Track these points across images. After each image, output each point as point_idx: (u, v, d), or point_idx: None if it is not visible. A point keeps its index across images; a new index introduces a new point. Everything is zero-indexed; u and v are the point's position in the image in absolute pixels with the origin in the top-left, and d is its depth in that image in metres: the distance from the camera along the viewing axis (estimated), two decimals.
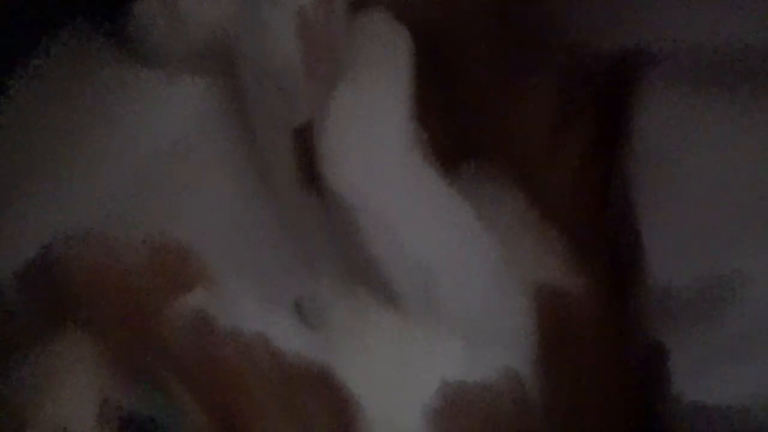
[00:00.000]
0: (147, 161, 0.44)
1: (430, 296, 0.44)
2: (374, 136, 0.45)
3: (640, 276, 0.47)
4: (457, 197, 0.46)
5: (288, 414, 0.37)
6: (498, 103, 0.48)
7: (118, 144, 0.44)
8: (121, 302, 0.36)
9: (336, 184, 0.44)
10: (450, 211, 0.45)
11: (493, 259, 0.45)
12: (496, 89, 0.48)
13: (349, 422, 0.38)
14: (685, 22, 0.50)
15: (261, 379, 0.37)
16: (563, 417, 0.45)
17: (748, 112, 0.47)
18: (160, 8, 0.47)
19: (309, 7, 0.44)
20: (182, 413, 0.34)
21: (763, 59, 0.49)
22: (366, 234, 0.44)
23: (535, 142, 0.48)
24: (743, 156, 0.48)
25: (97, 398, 0.34)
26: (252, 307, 0.39)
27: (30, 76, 0.45)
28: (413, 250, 0.44)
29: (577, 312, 0.48)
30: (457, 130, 0.48)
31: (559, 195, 0.49)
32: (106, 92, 0.45)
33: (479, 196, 0.47)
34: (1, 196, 0.41)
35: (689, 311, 0.47)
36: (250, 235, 0.44)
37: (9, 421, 0.33)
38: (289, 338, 0.39)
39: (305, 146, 0.45)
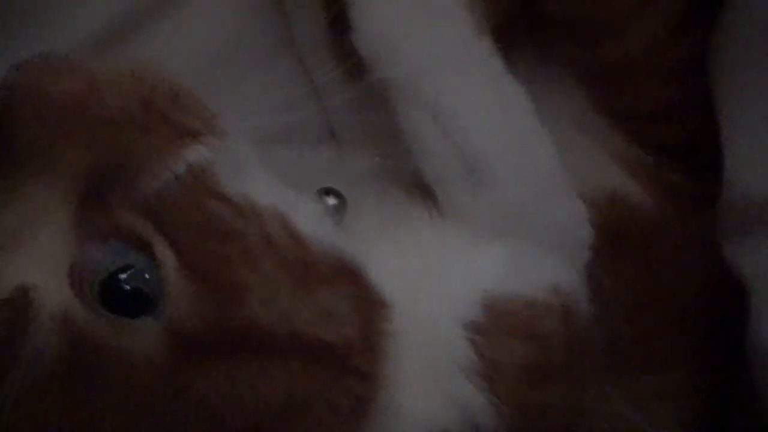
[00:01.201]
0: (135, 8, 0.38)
1: (478, 191, 0.38)
2: None
3: (716, 186, 0.41)
4: (516, 83, 0.39)
5: (304, 301, 0.31)
6: None
7: None
8: (99, 142, 0.29)
9: (369, 50, 0.37)
10: (508, 97, 0.38)
11: (550, 159, 0.39)
12: None
13: (376, 326, 0.33)
14: None
15: (273, 255, 0.31)
16: (609, 345, 0.40)
17: None
18: None
19: None
20: (164, 281, 0.29)
21: None
22: (406, 113, 0.37)
23: (610, 9, 0.41)
24: None
25: (67, 258, 0.28)
26: (268, 181, 0.33)
27: None
28: (461, 133, 0.37)
29: (641, 224, 0.42)
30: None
31: (632, 86, 0.42)
32: None
33: (539, 88, 0.40)
34: None
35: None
36: (270, 99, 0.37)
37: None
38: (312, 223, 0.33)
39: (337, 10, 0.38)
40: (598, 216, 0.40)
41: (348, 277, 0.33)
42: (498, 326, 0.37)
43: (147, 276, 0.29)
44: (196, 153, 0.31)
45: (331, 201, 0.37)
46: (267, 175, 0.33)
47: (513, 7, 0.42)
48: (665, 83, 0.42)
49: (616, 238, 0.41)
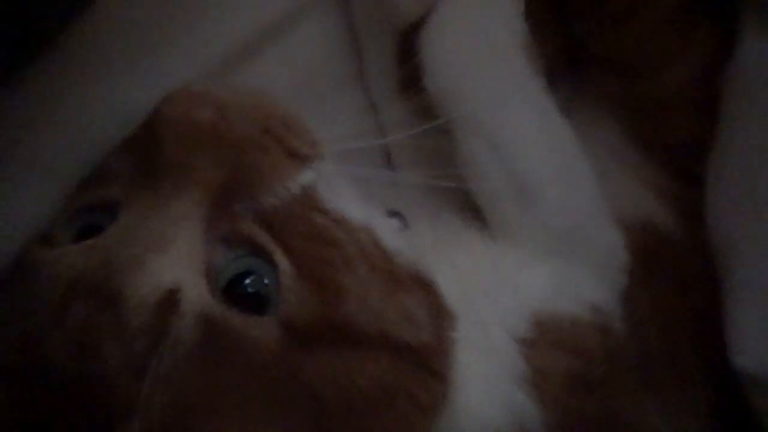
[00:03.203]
0: (249, 35, 0.42)
1: (528, 213, 0.42)
2: (481, 42, 0.41)
3: None
4: (560, 114, 0.43)
5: (391, 305, 0.35)
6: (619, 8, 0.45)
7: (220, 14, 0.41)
8: (228, 161, 0.34)
9: (436, 90, 0.41)
10: (553, 128, 0.43)
11: (592, 188, 0.43)
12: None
13: (446, 333, 0.37)
14: None
15: (366, 261, 0.35)
16: (642, 362, 0.43)
17: None
18: None
19: None
20: (280, 284, 0.33)
21: None
22: (467, 142, 0.41)
23: (653, 48, 0.45)
24: None
25: (203, 261, 0.33)
26: (356, 199, 0.38)
27: None
28: (516, 161, 0.41)
29: (672, 248, 0.46)
30: (568, 38, 0.45)
31: (665, 120, 0.46)
32: None
33: (578, 121, 0.44)
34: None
35: None
36: (348, 131, 0.41)
37: (115, 278, 0.31)
38: (391, 238, 0.37)
39: (409, 50, 0.42)
40: (633, 241, 0.44)
41: (423, 287, 0.37)
42: (545, 340, 0.40)
43: (265, 280, 0.33)
44: (307, 175, 0.35)
45: (395, 223, 0.42)
46: (354, 194, 0.37)
47: (558, 47, 0.46)
48: (697, 118, 0.46)
49: (649, 261, 0.45)
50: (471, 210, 0.44)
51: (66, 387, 0.31)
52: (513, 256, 0.42)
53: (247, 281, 0.33)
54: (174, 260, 0.32)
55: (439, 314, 0.37)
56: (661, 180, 0.47)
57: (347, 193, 0.37)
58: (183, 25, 0.40)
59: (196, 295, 0.32)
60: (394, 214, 0.42)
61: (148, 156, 0.34)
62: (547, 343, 0.41)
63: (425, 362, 0.35)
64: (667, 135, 0.47)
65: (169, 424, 0.31)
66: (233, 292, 0.33)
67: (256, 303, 0.33)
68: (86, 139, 0.37)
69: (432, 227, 0.44)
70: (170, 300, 0.31)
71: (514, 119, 0.41)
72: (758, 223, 0.43)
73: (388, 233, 0.37)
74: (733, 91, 0.44)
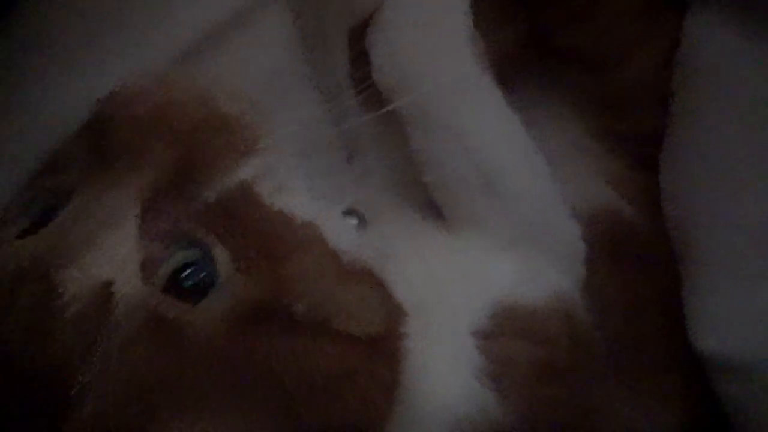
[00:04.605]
0: (205, 30, 0.41)
1: (493, 201, 0.42)
2: (428, 36, 0.42)
3: None
4: (512, 109, 0.43)
5: (335, 296, 0.35)
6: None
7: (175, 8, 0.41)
8: (167, 153, 0.34)
9: (384, 84, 0.41)
10: (506, 120, 0.43)
11: (546, 176, 0.43)
12: None
13: (393, 328, 0.37)
14: None
15: (312, 258, 0.36)
16: (609, 350, 0.43)
17: None
18: None
19: None
20: (221, 274, 0.34)
21: None
22: (421, 136, 0.42)
23: (617, 38, 0.45)
24: None
25: (138, 256, 0.33)
26: (305, 197, 0.38)
27: None
28: (477, 149, 0.41)
29: (636, 236, 0.46)
30: (532, 31, 0.45)
31: (629, 112, 0.46)
32: None
33: (541, 114, 0.44)
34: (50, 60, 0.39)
35: None
36: (304, 126, 0.41)
37: (46, 271, 0.32)
38: (342, 236, 0.37)
39: (359, 47, 0.42)
40: (596, 231, 0.44)
41: (373, 284, 0.37)
42: (508, 330, 0.40)
43: (204, 272, 0.34)
44: (245, 171, 0.35)
45: (353, 221, 0.42)
46: (302, 191, 0.37)
47: (521, 40, 0.46)
48: (663, 106, 0.46)
49: (613, 251, 0.45)
50: (433, 203, 0.44)
51: (20, 372, 0.32)
52: (476, 247, 0.42)
53: (186, 273, 0.33)
54: (107, 255, 0.33)
55: (389, 311, 0.37)
56: (624, 170, 0.47)
57: (296, 190, 0.37)
58: (142, 13, 0.40)
59: (131, 288, 0.32)
60: (351, 212, 0.42)
61: (98, 144, 0.34)
62: (509, 333, 0.41)
63: (376, 352, 0.35)
64: (633, 125, 0.47)
65: (124, 413, 0.31)
66: (175, 284, 0.33)
67: (197, 293, 0.33)
68: (47, 126, 0.37)
69: (395, 222, 0.44)
70: (103, 293, 0.32)
71: (469, 109, 0.42)
72: (712, 206, 0.44)
73: (338, 231, 0.37)
74: (681, 73, 0.45)
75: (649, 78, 0.46)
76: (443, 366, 0.39)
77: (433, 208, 0.43)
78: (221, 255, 0.34)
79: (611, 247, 0.45)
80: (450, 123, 0.41)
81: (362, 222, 0.42)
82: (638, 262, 0.46)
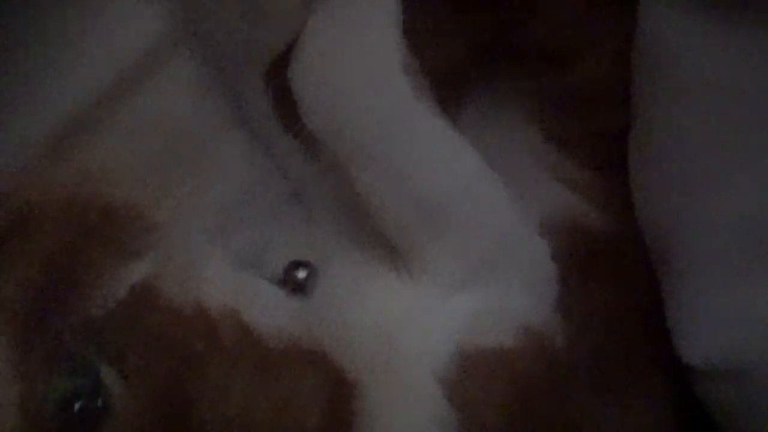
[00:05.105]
0: (102, 88, 0.37)
1: (438, 238, 0.39)
2: (354, 67, 0.38)
3: None
4: (459, 135, 0.39)
5: (262, 393, 0.32)
6: None
7: (69, 67, 0.37)
8: (44, 261, 0.31)
9: (316, 123, 0.38)
10: (448, 146, 0.39)
11: (503, 198, 0.40)
12: None
13: (342, 406, 0.35)
14: None
15: (224, 358, 0.32)
16: (590, 364, 0.41)
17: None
18: None
19: None
20: (113, 400, 0.30)
21: None
22: (361, 177, 0.38)
23: (574, 33, 0.41)
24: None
25: (18, 388, 0.30)
26: (222, 277, 0.35)
27: None
28: (414, 190, 0.38)
29: (605, 245, 0.43)
30: (482, 34, 0.41)
31: (588, 108, 0.42)
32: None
33: (492, 128, 0.40)
34: None
35: None
36: (225, 185, 0.38)
37: None
38: (270, 312, 0.34)
39: (281, 84, 0.38)
40: (562, 245, 0.41)
41: (313, 362, 0.34)
42: (475, 375, 0.38)
43: (97, 400, 0.30)
44: (136, 271, 0.32)
45: (301, 274, 0.39)
46: (222, 269, 0.34)
47: (470, 46, 0.42)
48: (623, 103, 0.42)
49: (584, 261, 0.42)
50: (386, 245, 0.40)
51: None
52: (431, 290, 0.39)
53: (76, 406, 0.30)
54: None
55: (331, 392, 0.34)
56: (588, 174, 0.44)
57: (209, 271, 0.34)
58: (28, 83, 0.36)
59: (9, 428, 0.29)
60: (299, 264, 0.39)
61: None
62: (477, 377, 0.38)
63: None
64: (594, 124, 0.44)
65: None
66: (65, 414, 0.30)
67: (92, 421, 0.30)
68: None
69: (347, 268, 0.41)
70: None
71: (404, 144, 0.38)
72: (685, 204, 0.40)
73: (266, 308, 0.34)
74: (640, 62, 0.41)
75: (609, 74, 0.42)
76: (408, 423, 0.37)
77: (387, 250, 0.40)
78: (112, 380, 0.30)
79: (582, 259, 0.42)
80: (387, 161, 0.38)
81: (313, 272, 0.39)
82: (612, 271, 0.43)
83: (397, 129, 0.38)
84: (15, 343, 0.30)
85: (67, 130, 0.37)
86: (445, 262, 0.39)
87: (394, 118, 0.38)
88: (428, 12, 0.40)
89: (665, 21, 0.39)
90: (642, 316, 0.43)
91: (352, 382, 0.35)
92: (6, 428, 0.29)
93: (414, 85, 0.38)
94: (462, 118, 0.40)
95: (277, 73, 0.38)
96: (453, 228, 0.39)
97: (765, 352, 0.39)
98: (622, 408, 0.43)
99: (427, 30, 0.39)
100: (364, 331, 0.37)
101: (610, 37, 0.42)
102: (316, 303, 0.38)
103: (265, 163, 0.42)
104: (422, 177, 0.38)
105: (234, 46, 0.39)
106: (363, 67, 0.38)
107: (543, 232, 0.41)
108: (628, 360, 0.43)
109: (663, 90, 0.40)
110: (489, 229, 0.39)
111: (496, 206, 0.40)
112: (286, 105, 0.39)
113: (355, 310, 0.38)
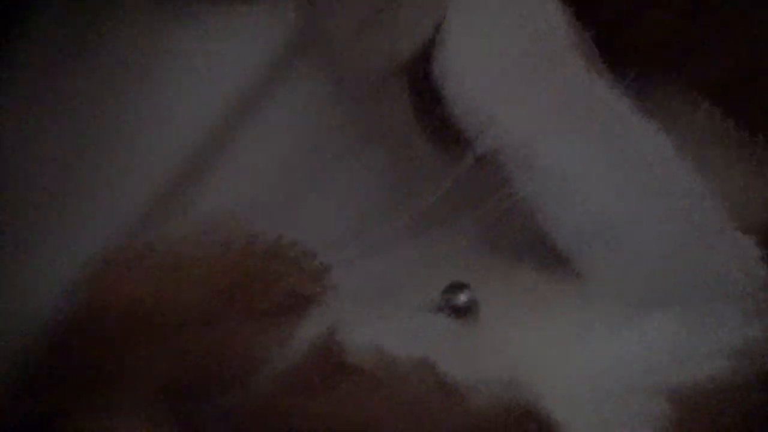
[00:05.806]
0: (206, 128, 0.34)
1: (613, 256, 0.33)
2: (519, 44, 0.33)
3: None
4: (639, 115, 0.33)
5: None
6: None
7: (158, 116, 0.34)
8: (171, 350, 0.25)
9: (470, 120, 0.33)
10: (635, 139, 0.33)
11: (698, 196, 0.33)
12: None
13: None
14: None
15: (424, 413, 0.26)
16: None
17: None
18: None
19: None
20: None
21: None
22: (522, 181, 0.33)
23: None
24: None
25: None
26: (391, 316, 0.29)
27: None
28: (582, 199, 0.33)
29: None
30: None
31: None
32: (138, 48, 0.34)
33: (668, 112, 0.34)
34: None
35: None
36: (359, 204, 0.33)
37: None
38: (456, 352, 0.29)
39: (419, 79, 0.34)
40: None
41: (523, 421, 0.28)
42: (695, 417, 0.31)
43: None
44: (314, 322, 0.26)
45: (462, 298, 0.33)
46: (397, 317, 0.29)
47: None
48: None
49: None
50: (552, 259, 0.34)
51: None
52: (612, 312, 0.33)
53: None
54: None
55: None
56: None
57: (384, 321, 0.28)
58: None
59: None
60: (458, 287, 0.33)
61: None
62: (701, 417, 0.31)
63: None
64: None
65: None
66: None
67: None
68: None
69: (506, 290, 0.35)
70: None
71: (574, 140, 0.32)
72: None
73: (449, 345, 0.28)
74: None
75: None
76: None
77: (559, 264, 0.34)
78: None
79: None
80: (551, 163, 0.32)
81: (472, 294, 0.34)
82: None
83: (570, 116, 0.32)
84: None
85: (195, 159, 0.33)
86: (624, 280, 0.33)
87: (565, 103, 0.32)
88: None
89: None
90: None
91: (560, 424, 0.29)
92: None
93: (588, 60, 0.32)
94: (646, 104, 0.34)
95: (417, 73, 0.34)
96: (628, 240, 0.33)
97: None
98: None
99: None
100: (554, 365, 0.31)
101: None
102: (486, 334, 0.32)
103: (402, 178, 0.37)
104: (594, 180, 0.33)
105: (364, 48, 0.35)
106: (525, 48, 0.32)
107: (749, 233, 0.33)
108: None
109: None
110: (674, 240, 0.33)
111: (684, 209, 0.33)
112: (423, 106, 0.34)
113: (532, 339, 0.32)
